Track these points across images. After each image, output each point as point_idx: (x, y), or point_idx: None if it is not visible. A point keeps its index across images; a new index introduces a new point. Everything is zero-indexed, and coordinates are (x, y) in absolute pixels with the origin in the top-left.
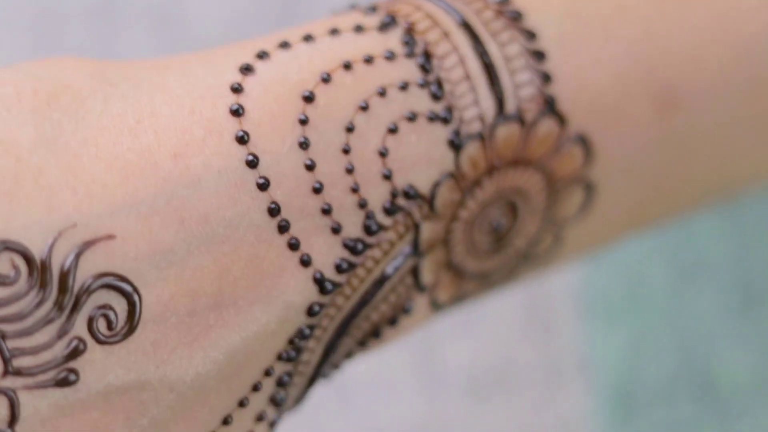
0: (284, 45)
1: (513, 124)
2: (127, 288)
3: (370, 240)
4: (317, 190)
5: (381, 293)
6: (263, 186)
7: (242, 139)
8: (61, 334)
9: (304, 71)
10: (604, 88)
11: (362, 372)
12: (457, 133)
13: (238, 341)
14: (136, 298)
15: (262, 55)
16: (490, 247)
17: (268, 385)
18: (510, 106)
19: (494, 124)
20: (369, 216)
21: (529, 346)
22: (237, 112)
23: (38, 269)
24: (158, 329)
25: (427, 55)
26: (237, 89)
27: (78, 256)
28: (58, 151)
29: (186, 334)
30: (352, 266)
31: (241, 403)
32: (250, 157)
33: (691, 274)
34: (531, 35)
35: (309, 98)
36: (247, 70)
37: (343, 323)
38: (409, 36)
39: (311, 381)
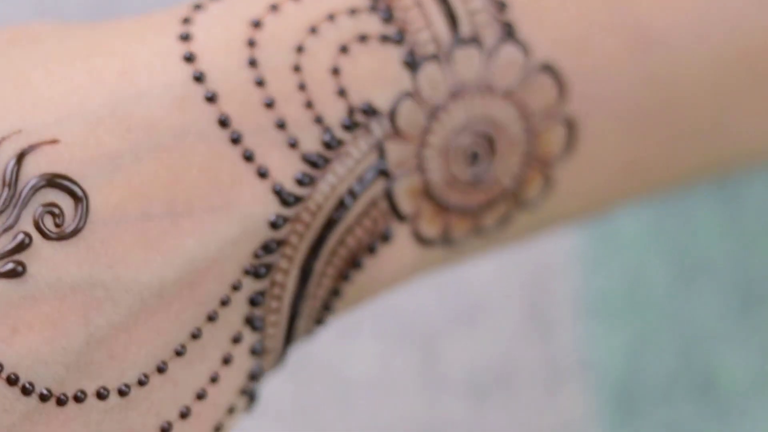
0: None
1: (471, 48)
2: (73, 187)
3: (330, 155)
4: (269, 105)
5: (351, 214)
6: (211, 98)
7: (189, 59)
8: (7, 228)
9: (252, 4)
10: (567, 20)
11: (362, 372)
12: (411, 53)
13: (197, 247)
14: (82, 197)
15: None
16: (471, 178)
17: (239, 303)
18: (465, 30)
19: (450, 47)
20: (327, 131)
21: (530, 347)
22: (185, 38)
23: None
24: (109, 230)
25: None
26: (187, 20)
27: (22, 156)
28: (10, 74)
29: (140, 238)
30: (313, 180)
31: (210, 318)
32: (197, 73)
33: (692, 275)
34: None
35: (257, 24)
36: (197, 7)
37: (316, 244)
38: None
39: (293, 316)
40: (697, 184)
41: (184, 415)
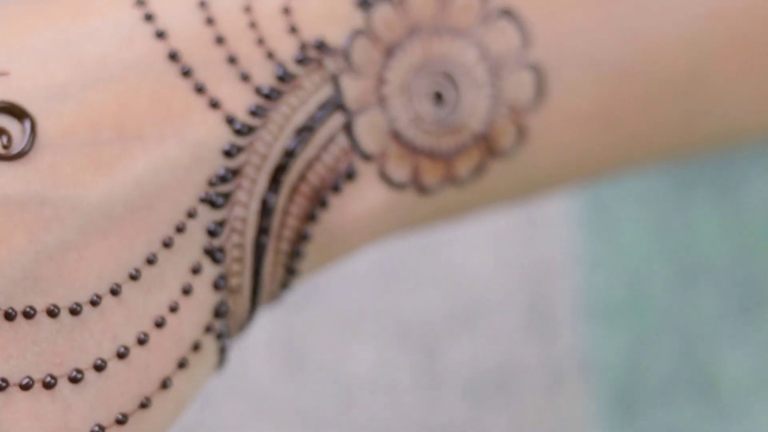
0: None
1: None
2: (19, 112)
3: (283, 87)
4: (220, 41)
5: (310, 148)
6: (160, 35)
7: (141, 3)
8: None
9: None
10: None
11: (362, 372)
12: None
13: (147, 172)
14: (28, 121)
15: None
16: (437, 119)
17: (197, 231)
18: None
19: None
20: (279, 65)
21: (530, 348)
22: None
23: None
24: (57, 153)
25: None
26: None
27: None
28: None
29: (89, 161)
30: (266, 111)
31: (166, 244)
32: (147, 14)
33: (692, 275)
34: None
35: None
36: None
37: (274, 177)
38: None
39: (258, 256)
40: (680, 151)
41: (142, 341)
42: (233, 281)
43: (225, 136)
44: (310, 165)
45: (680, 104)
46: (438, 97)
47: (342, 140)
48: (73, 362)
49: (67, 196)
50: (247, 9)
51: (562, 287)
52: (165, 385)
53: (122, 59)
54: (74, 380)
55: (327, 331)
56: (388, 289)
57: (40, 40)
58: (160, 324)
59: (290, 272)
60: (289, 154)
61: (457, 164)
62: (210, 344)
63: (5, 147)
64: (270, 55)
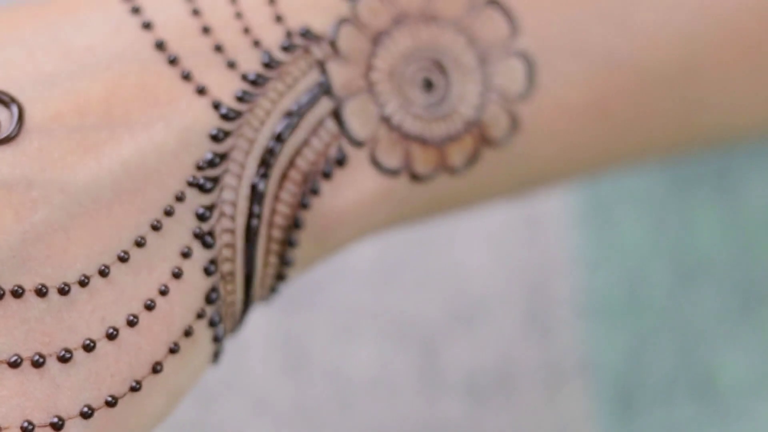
0: None
1: None
2: (6, 98)
3: (269, 74)
4: (206, 30)
5: (298, 133)
6: (147, 26)
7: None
8: None
9: None
10: None
11: (362, 372)
12: None
13: (134, 155)
14: (15, 107)
15: None
16: (427, 104)
17: (186, 215)
18: None
19: None
20: (265, 53)
21: (530, 347)
22: None
23: None
24: (44, 138)
25: None
26: None
27: None
28: None
29: (76, 145)
30: (253, 97)
31: (155, 227)
32: (134, 7)
33: (692, 275)
34: None
35: None
36: None
37: (262, 162)
38: None
39: (250, 243)
40: (676, 146)
41: (132, 323)
42: (225, 267)
43: (212, 121)
44: (298, 150)
45: (674, 97)
46: (427, 84)
47: (330, 125)
48: (62, 342)
49: (54, 178)
50: (233, 1)
51: (562, 287)
52: (156, 369)
53: (109, 49)
54: (63, 359)
55: (327, 330)
56: (388, 289)
57: (29, 32)
58: (150, 306)
59: (284, 262)
60: (277, 139)
61: (450, 151)
62: (203, 332)
63: None
64: (256, 44)
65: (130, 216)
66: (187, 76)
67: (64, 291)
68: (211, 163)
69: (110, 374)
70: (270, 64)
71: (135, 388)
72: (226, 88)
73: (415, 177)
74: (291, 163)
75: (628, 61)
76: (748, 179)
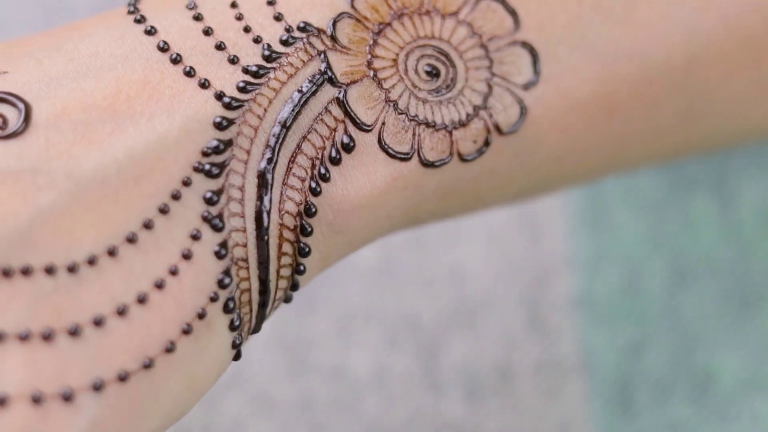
0: None
1: None
2: (13, 99)
3: (270, 65)
4: (208, 32)
5: (302, 119)
6: (150, 32)
7: (131, 11)
8: None
9: None
10: None
11: (362, 372)
12: None
13: (139, 144)
14: (22, 105)
15: None
16: (434, 89)
17: (193, 200)
18: None
19: None
20: (266, 47)
21: (530, 347)
22: (134, 6)
23: None
24: (51, 131)
25: None
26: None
27: None
28: None
29: (81, 137)
30: (255, 87)
31: (162, 210)
32: (138, 16)
33: (691, 275)
34: None
35: None
36: None
37: (268, 148)
38: None
39: (261, 229)
40: (680, 146)
41: (142, 300)
42: (237, 252)
43: (215, 111)
44: (304, 136)
45: (679, 90)
46: (432, 72)
47: (336, 111)
48: (72, 317)
49: (60, 166)
50: (233, 4)
51: (562, 287)
52: (169, 349)
53: (113, 53)
54: (73, 333)
55: (327, 330)
56: (388, 289)
57: (37, 46)
58: (160, 285)
59: (300, 252)
60: (282, 125)
61: (459, 137)
62: (217, 317)
63: (1, 128)
64: (256, 40)
65: (137, 200)
66: (189, 72)
67: (72, 269)
68: (217, 150)
69: (121, 350)
70: (270, 56)
71: (147, 365)
72: (228, 81)
73: (425, 163)
74: (298, 149)
75: (631, 53)
76: (746, 180)
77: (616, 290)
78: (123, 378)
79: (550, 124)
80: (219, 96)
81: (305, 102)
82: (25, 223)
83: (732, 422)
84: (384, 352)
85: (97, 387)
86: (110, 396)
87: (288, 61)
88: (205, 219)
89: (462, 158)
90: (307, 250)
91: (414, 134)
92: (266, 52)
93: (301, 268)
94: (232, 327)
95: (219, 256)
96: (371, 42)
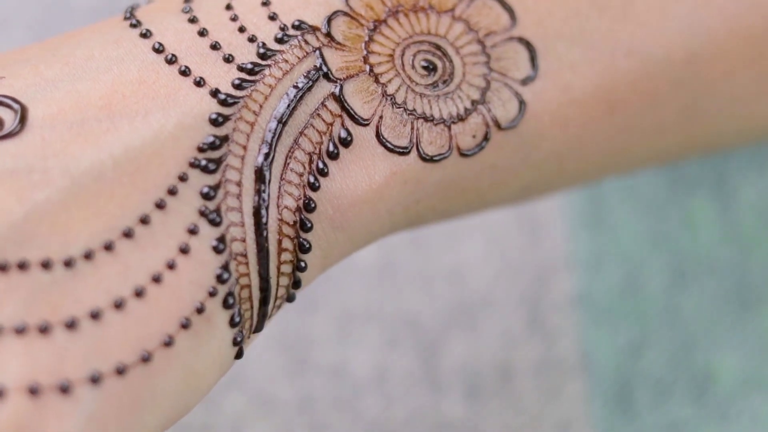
0: None
1: None
2: (9, 101)
3: (265, 63)
4: (203, 33)
5: (298, 114)
6: (146, 35)
7: (127, 16)
8: None
9: None
10: None
11: (363, 372)
12: None
13: (134, 140)
14: (17, 107)
15: None
16: (431, 84)
17: (190, 195)
18: None
19: None
20: (261, 46)
21: (530, 347)
22: (130, 12)
23: None
24: (46, 131)
25: None
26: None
27: None
28: None
29: (77, 136)
30: (250, 84)
31: (159, 205)
32: (134, 21)
33: (691, 275)
34: None
35: None
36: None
37: (264, 143)
38: None
39: (259, 226)
40: (681, 145)
41: (140, 294)
42: (236, 247)
43: (210, 107)
44: (301, 131)
45: (680, 86)
46: (429, 67)
47: (332, 106)
48: (68, 311)
49: (55, 164)
50: (228, 6)
51: (562, 287)
52: (167, 343)
53: (109, 56)
54: (70, 326)
55: (327, 330)
56: (388, 289)
57: (34, 53)
58: (157, 279)
59: (301, 248)
60: (278, 120)
61: (458, 132)
62: (217, 312)
63: None
64: (251, 39)
65: (133, 196)
66: (184, 72)
67: (69, 263)
68: (213, 145)
69: (119, 343)
70: (265, 54)
71: (146, 359)
72: (223, 78)
73: (424, 157)
74: (295, 144)
75: (630, 49)
76: (746, 180)
77: (616, 290)
78: (121, 371)
79: (550, 119)
80: (214, 93)
81: (301, 97)
82: (21, 218)
83: (732, 422)
84: (384, 351)
85: (95, 380)
86: (108, 389)
87: (283, 58)
88: (203, 213)
89: (462, 153)
90: (307, 245)
91: (412, 128)
92: (261, 50)
93: (302, 264)
94: (233, 323)
95: (217, 250)
96: (367, 38)
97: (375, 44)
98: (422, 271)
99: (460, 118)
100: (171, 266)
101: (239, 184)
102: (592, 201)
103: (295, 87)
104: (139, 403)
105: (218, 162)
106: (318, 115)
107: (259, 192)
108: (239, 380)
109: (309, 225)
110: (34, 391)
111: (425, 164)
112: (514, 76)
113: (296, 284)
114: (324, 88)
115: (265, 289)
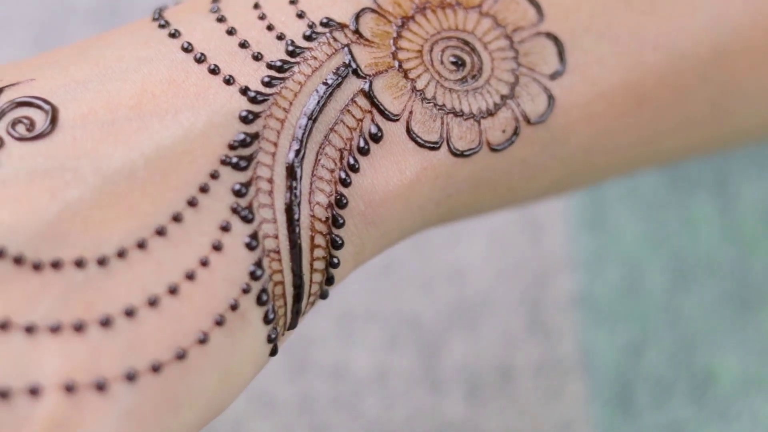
0: None
1: None
2: (40, 102)
3: (294, 60)
4: (231, 32)
5: (328, 110)
6: (174, 35)
7: (156, 17)
8: None
9: None
10: None
11: (363, 372)
12: None
13: (165, 138)
14: (48, 107)
15: None
16: (460, 79)
17: (222, 192)
18: None
19: None
20: (289, 43)
21: (530, 347)
22: (158, 12)
23: None
24: (78, 131)
25: None
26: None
27: (1, 90)
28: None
29: (108, 135)
30: (279, 81)
31: (191, 203)
32: (162, 21)
33: (691, 276)
34: None
35: None
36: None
37: (296, 139)
38: None
39: (292, 222)
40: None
41: (173, 291)
42: (268, 244)
43: (241, 105)
44: (331, 127)
45: (707, 80)
46: (458, 62)
47: (362, 102)
48: (103, 308)
49: (87, 163)
50: (256, 5)
51: (562, 287)
52: (202, 340)
53: (138, 56)
54: (104, 324)
55: (327, 330)
56: (389, 289)
57: (63, 55)
58: (191, 276)
59: (334, 244)
60: (308, 117)
61: (488, 127)
62: (251, 309)
63: (28, 130)
64: (280, 37)
65: (165, 194)
66: (213, 70)
67: (102, 261)
68: (243, 143)
69: (154, 341)
70: (294, 51)
71: (181, 356)
72: (252, 76)
73: (455, 152)
74: (326, 141)
75: (657, 42)
76: (746, 180)
77: (616, 290)
78: (156, 368)
79: (579, 113)
80: (244, 91)
81: (331, 94)
82: (54, 217)
83: (732, 422)
84: (384, 351)
85: (131, 377)
86: (144, 386)
87: (312, 55)
88: (235, 211)
89: (492, 148)
90: (340, 241)
91: (442, 123)
92: (290, 48)
93: (335, 260)
94: (267, 320)
95: (250, 247)
96: (395, 35)
97: (403, 40)
98: (423, 271)
99: (490, 113)
100: (204, 263)
101: (271, 180)
102: (593, 201)
103: (325, 84)
104: (174, 400)
105: (249, 159)
106: (348, 111)
107: (290, 188)
108: None
109: (341, 221)
110: (70, 388)
111: (456, 159)
112: (543, 71)
113: (329, 281)
114: (353, 84)
115: (298, 285)
